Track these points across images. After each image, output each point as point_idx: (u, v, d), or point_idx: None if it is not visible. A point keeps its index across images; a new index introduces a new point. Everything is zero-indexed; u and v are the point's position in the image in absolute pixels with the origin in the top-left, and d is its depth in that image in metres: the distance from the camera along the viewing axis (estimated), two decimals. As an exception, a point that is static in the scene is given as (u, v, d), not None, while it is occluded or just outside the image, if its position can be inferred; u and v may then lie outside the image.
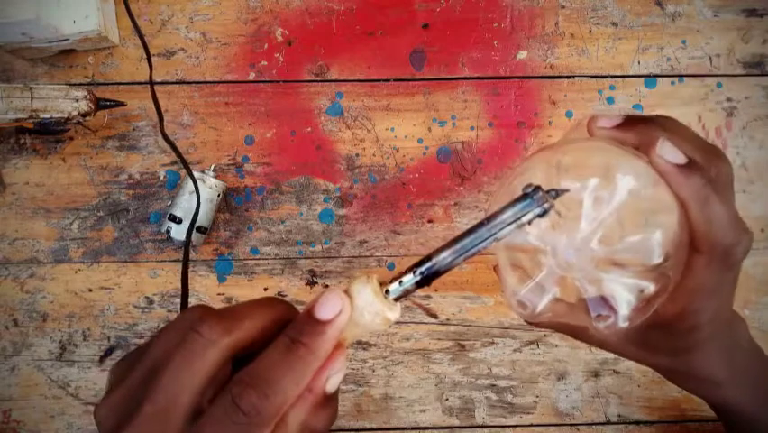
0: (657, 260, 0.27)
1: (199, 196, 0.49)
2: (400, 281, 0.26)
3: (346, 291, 0.26)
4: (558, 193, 0.27)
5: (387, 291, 0.26)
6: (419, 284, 0.26)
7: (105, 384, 0.26)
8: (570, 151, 0.29)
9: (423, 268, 0.26)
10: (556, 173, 0.28)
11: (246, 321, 0.25)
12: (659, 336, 0.32)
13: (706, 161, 0.28)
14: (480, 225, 0.26)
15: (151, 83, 0.50)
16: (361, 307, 0.25)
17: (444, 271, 0.26)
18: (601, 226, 0.27)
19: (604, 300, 0.29)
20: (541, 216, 0.26)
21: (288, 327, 0.25)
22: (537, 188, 0.26)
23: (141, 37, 0.50)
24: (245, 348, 0.25)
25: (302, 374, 0.24)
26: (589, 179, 0.27)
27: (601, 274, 0.28)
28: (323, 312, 0.25)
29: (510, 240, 0.30)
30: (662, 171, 0.28)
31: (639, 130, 0.29)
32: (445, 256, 0.26)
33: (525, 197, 0.26)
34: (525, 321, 0.36)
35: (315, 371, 0.25)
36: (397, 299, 0.26)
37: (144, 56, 0.52)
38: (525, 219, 0.26)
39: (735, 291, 0.31)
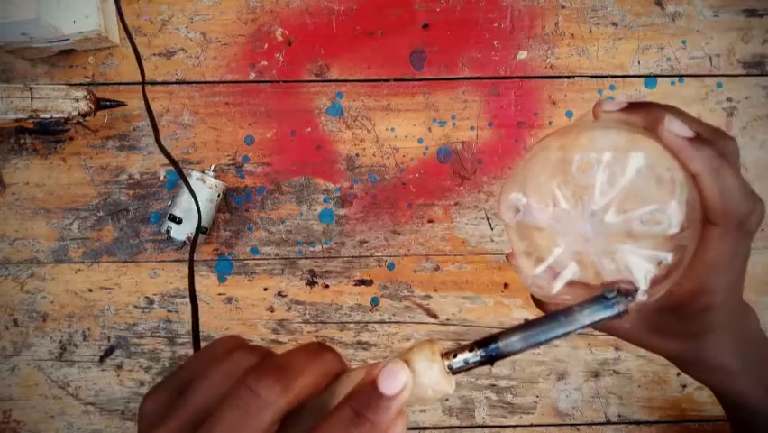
0: (674, 229, 0.27)
1: (200, 211, 0.49)
2: (465, 361, 0.25)
3: (406, 361, 0.25)
4: (632, 297, 0.26)
5: (449, 367, 0.25)
6: (481, 363, 0.26)
7: (138, 418, 0.25)
8: (581, 132, 0.29)
9: (489, 348, 0.25)
10: (569, 157, 0.28)
11: (301, 378, 0.24)
12: (672, 321, 0.33)
13: (712, 137, 0.29)
14: (554, 317, 0.26)
15: (143, 83, 0.50)
16: (425, 385, 0.25)
17: (508, 355, 0.26)
18: (615, 199, 0.27)
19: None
20: (614, 318, 0.26)
21: (351, 397, 0.25)
22: (617, 290, 0.26)
23: (132, 42, 0.50)
24: (298, 405, 0.25)
25: None
26: (602, 152, 0.28)
27: (618, 246, 0.28)
28: (388, 387, 0.24)
29: (524, 221, 0.30)
30: (672, 146, 0.28)
31: (645, 111, 0.30)
32: (514, 341, 0.25)
33: (602, 299, 0.26)
34: (540, 304, 0.37)
35: None
36: (453, 372, 0.26)
37: (144, 56, 0.52)
38: (597, 320, 0.26)
39: (745, 272, 0.32)
